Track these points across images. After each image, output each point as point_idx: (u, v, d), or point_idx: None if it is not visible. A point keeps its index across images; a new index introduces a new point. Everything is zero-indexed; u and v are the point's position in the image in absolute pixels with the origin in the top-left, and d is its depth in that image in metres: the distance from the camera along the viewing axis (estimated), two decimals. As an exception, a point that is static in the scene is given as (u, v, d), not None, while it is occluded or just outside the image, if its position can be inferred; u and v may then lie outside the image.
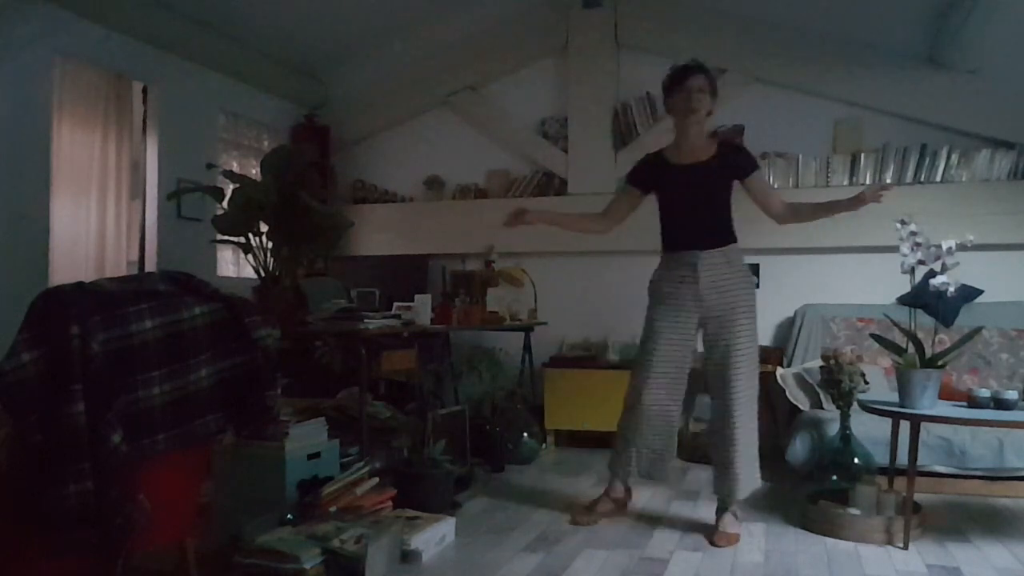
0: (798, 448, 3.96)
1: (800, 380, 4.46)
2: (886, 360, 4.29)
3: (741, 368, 3.17)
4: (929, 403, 3.03)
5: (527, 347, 5.21)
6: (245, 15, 4.95)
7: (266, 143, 5.62)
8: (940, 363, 3.08)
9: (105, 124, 4.48)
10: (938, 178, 4.86)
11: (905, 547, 3.04)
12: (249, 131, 5.56)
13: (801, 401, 4.39)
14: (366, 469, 3.31)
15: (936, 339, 3.23)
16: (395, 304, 4.18)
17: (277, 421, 2.99)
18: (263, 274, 3.55)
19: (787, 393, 4.41)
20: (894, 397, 3.19)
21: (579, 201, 5.02)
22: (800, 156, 5.07)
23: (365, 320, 3.46)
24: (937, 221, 3.81)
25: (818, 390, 4.24)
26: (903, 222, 3.08)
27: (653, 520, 3.44)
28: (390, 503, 3.24)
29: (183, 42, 4.76)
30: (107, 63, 4.38)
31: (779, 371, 4.51)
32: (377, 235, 5.79)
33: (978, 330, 3.37)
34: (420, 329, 3.92)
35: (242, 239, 3.52)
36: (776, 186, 4.91)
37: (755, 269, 4.74)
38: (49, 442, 1.92)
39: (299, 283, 3.73)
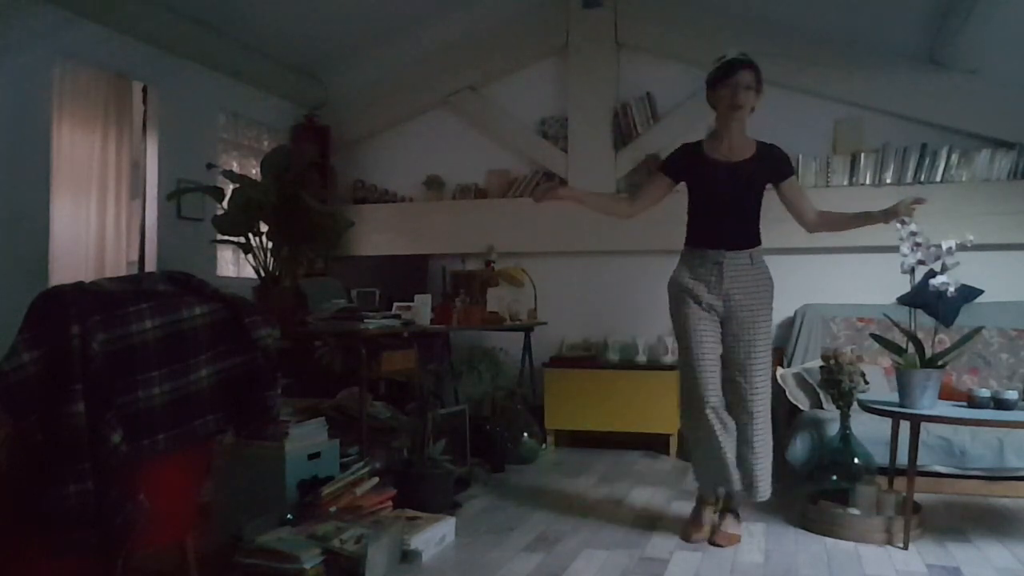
0: (798, 448, 3.96)
1: (800, 380, 4.47)
2: (886, 360, 4.29)
3: (759, 368, 3.13)
4: (929, 403, 3.03)
5: (527, 347, 5.22)
6: (245, 15, 4.95)
7: (266, 143, 5.62)
8: (940, 363, 3.08)
9: (105, 124, 4.47)
10: (938, 178, 4.86)
11: (905, 547, 3.04)
12: (249, 131, 5.56)
13: (801, 401, 4.39)
14: (366, 469, 3.31)
15: (936, 339, 3.23)
16: (395, 304, 4.18)
17: (277, 421, 2.99)
18: (263, 274, 3.55)
19: (787, 393, 4.41)
20: (894, 397, 3.19)
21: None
22: (800, 156, 5.06)
23: (365, 320, 3.46)
24: (937, 221, 3.80)
25: (818, 390, 4.24)
26: (903, 222, 3.07)
27: (653, 520, 3.44)
28: (390, 503, 3.24)
29: (183, 42, 4.75)
30: (107, 63, 4.38)
31: (779, 371, 4.51)
32: (377, 235, 5.79)
33: (978, 330, 3.37)
34: (420, 329, 3.92)
35: (242, 239, 3.52)
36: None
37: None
38: (49, 442, 1.93)
39: (299, 283, 3.73)
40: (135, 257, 4.66)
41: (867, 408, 3.26)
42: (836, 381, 3.71)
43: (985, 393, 3.13)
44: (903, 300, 4.41)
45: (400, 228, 5.78)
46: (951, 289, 3.05)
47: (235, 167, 5.30)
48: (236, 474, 3.09)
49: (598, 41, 5.44)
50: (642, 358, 5.03)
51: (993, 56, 4.60)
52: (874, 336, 3.46)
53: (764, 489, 3.15)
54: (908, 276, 3.11)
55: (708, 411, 3.10)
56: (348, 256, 5.70)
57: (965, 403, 3.16)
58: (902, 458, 3.21)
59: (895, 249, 3.13)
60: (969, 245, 3.00)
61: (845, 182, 5.00)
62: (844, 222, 3.25)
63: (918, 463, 3.15)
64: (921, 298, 3.31)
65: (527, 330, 5.19)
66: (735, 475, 3.14)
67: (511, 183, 5.71)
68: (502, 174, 5.76)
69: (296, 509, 2.94)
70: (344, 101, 6.05)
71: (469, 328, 4.75)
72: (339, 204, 5.83)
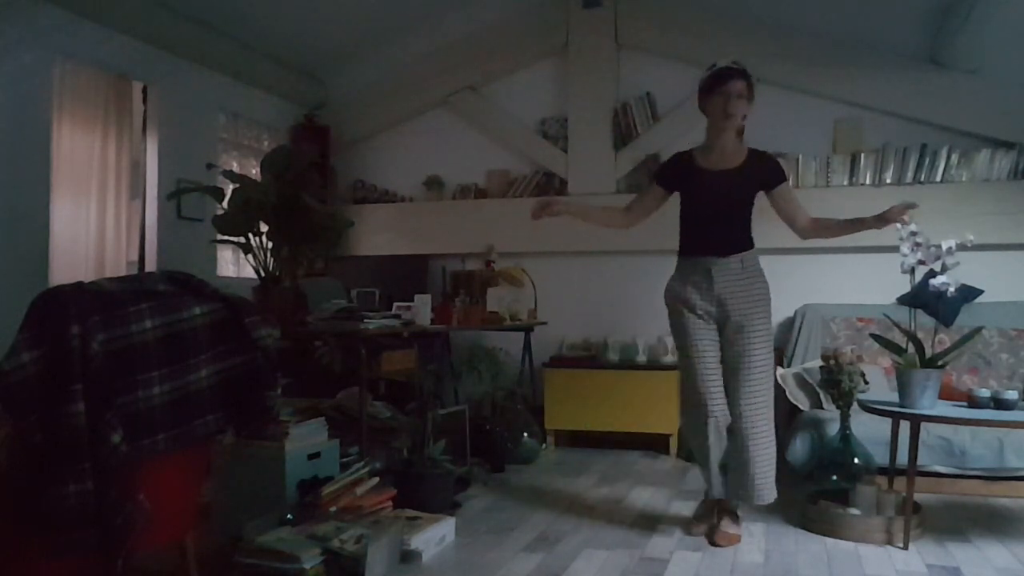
0: (798, 448, 3.96)
1: (800, 380, 4.47)
2: (886, 360, 4.29)
3: (757, 371, 3.13)
4: (929, 403, 3.03)
5: (527, 347, 5.22)
6: (245, 15, 4.96)
7: (266, 143, 5.62)
8: (940, 363, 3.08)
9: (105, 124, 4.47)
10: (938, 178, 4.86)
11: (905, 547, 3.04)
12: (249, 131, 5.56)
13: (801, 401, 4.39)
14: (366, 469, 3.31)
15: (936, 339, 3.23)
16: (395, 304, 4.17)
17: (277, 421, 3.00)
18: (263, 274, 3.55)
19: (787, 393, 4.41)
20: (894, 397, 3.19)
21: (579, 201, 5.01)
22: (800, 156, 5.07)
23: (365, 320, 3.46)
24: (937, 221, 3.81)
25: (818, 390, 4.24)
26: (903, 222, 3.08)
27: (653, 520, 3.44)
28: (390, 503, 3.23)
29: (183, 42, 4.76)
30: (107, 63, 4.38)
31: (779, 371, 4.50)
32: (377, 235, 5.79)
33: (978, 330, 3.37)
34: (420, 329, 3.91)
35: (242, 239, 3.52)
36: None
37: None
38: (49, 442, 1.92)
39: (299, 283, 3.73)
40: (135, 257, 4.66)
41: (867, 408, 3.26)
42: (836, 381, 3.71)
43: (985, 393, 3.12)
44: (903, 300, 4.41)
45: (400, 228, 5.78)
46: (951, 289, 3.05)
47: (235, 167, 5.30)
48: (236, 474, 3.09)
49: (598, 41, 5.44)
50: (642, 358, 5.03)
51: (993, 56, 4.60)
52: (874, 336, 3.46)
53: (766, 493, 3.13)
54: (908, 276, 3.11)
55: (710, 421, 3.13)
56: (348, 256, 5.71)
57: (965, 403, 3.16)
58: (902, 458, 3.21)
59: (895, 249, 3.13)
60: (969, 245, 3.00)
61: (845, 182, 5.01)
62: (837, 228, 3.26)
63: (918, 463, 3.15)
64: (921, 298, 3.32)
65: (527, 330, 5.19)
66: (718, 482, 3.18)
67: (511, 183, 5.71)
68: (502, 174, 5.76)
69: (296, 509, 2.94)
70: (344, 101, 6.05)
71: (469, 328, 4.75)
72: (339, 204, 5.83)
